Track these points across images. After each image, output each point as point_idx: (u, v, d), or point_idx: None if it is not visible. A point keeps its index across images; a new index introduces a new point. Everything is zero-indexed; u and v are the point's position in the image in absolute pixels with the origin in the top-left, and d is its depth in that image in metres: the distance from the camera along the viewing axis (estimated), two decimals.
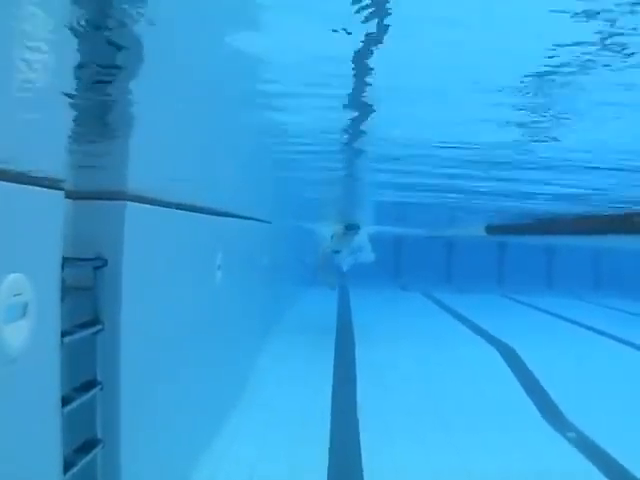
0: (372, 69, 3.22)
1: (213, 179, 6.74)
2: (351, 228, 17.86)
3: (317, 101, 4.00)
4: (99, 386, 4.48)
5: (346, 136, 5.04)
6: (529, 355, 13.36)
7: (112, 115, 4.11)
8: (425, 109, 4.15)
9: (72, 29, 2.66)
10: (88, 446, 4.41)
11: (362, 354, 13.27)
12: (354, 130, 4.87)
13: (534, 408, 10.16)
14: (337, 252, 18.13)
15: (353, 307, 20.62)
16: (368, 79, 3.39)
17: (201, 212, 6.56)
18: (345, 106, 4.11)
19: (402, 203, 13.09)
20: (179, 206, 5.69)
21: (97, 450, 4.46)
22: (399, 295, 25.48)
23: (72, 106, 3.67)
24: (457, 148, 5.50)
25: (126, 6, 2.60)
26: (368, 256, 19.47)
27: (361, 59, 3.08)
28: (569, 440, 8.68)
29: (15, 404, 3.09)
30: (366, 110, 4.22)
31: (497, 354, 13.98)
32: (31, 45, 2.71)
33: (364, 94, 3.72)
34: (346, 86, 3.62)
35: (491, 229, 16.62)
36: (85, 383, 4.40)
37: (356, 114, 4.39)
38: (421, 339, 15.57)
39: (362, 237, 19.04)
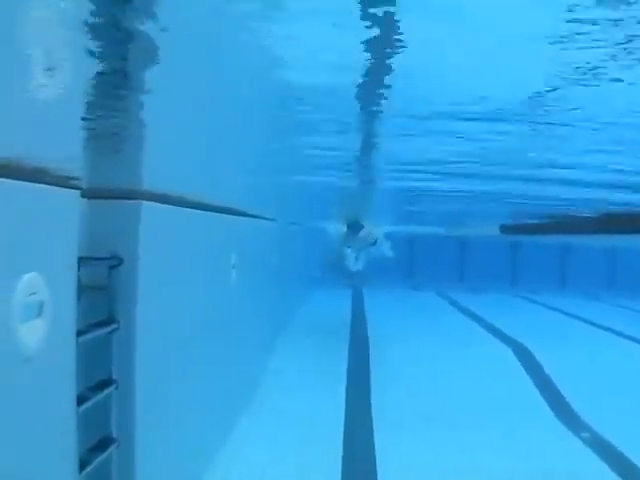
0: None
1: (225, 177, 6.74)
2: (357, 226, 17.78)
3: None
4: (114, 385, 4.49)
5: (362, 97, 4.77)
6: (543, 354, 13.34)
7: (127, 114, 4.11)
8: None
9: (87, 25, 2.66)
10: (103, 445, 4.42)
11: (376, 353, 13.26)
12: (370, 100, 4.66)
13: (547, 407, 10.14)
14: (349, 247, 18.02)
15: (367, 306, 20.59)
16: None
17: (215, 211, 6.56)
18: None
19: (416, 197, 12.92)
20: (194, 205, 5.70)
21: (112, 449, 4.47)
22: (412, 295, 25.44)
23: (88, 105, 3.68)
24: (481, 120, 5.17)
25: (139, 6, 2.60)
26: (386, 252, 19.42)
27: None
28: (582, 440, 8.66)
29: (31, 403, 3.09)
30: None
31: (511, 353, 13.96)
32: (46, 40, 2.71)
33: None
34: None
35: (505, 228, 16.58)
36: (100, 382, 4.41)
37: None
38: (435, 338, 15.53)
39: (378, 235, 18.98)
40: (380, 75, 3.66)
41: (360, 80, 3.77)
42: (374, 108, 4.72)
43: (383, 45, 3.04)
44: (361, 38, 2.88)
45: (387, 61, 3.30)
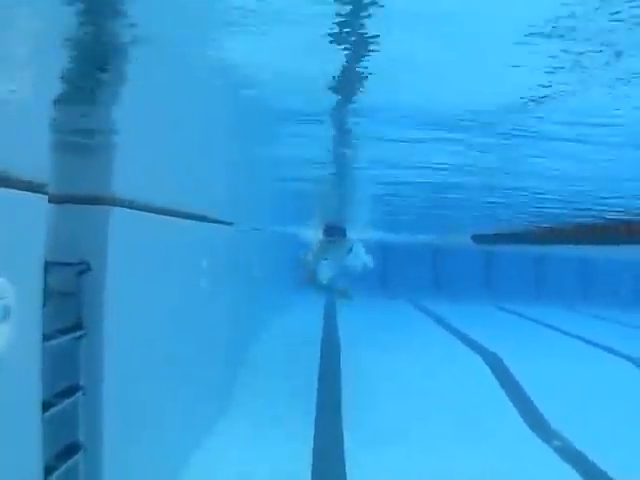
0: None
1: (195, 184, 6.72)
2: (337, 233, 17.01)
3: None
4: (81, 391, 4.47)
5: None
6: (515, 364, 13.37)
7: (97, 120, 4.11)
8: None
9: (58, 33, 2.66)
10: (70, 451, 4.40)
11: (348, 362, 13.21)
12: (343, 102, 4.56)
13: (519, 417, 10.17)
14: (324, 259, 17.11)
15: (339, 314, 20.54)
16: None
17: (185, 217, 6.55)
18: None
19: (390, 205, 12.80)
20: (163, 211, 5.68)
21: (79, 455, 4.45)
22: (386, 303, 25.34)
23: (56, 111, 3.68)
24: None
25: (112, 18, 2.61)
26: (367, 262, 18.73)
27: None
28: (554, 449, 8.70)
29: None
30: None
31: (483, 363, 13.97)
32: (15, 48, 2.72)
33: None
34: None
35: (477, 238, 16.60)
36: (68, 388, 4.40)
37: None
38: (408, 348, 15.49)
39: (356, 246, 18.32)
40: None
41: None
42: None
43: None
44: None
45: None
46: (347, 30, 2.74)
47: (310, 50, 3.04)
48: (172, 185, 5.75)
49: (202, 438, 7.88)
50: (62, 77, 3.27)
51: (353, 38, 2.85)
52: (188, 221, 6.75)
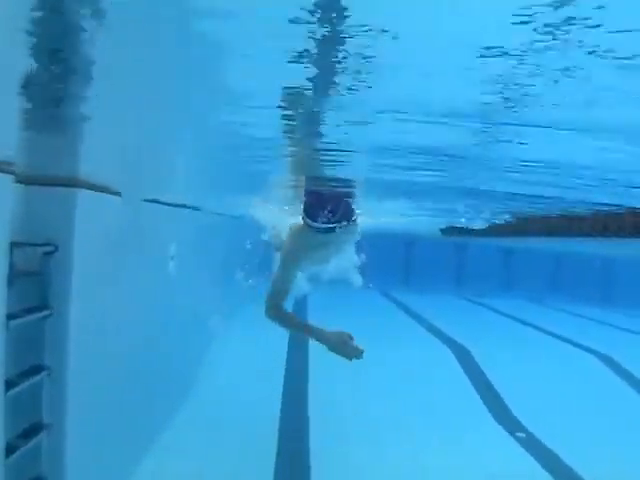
0: None
1: (164, 168, 6.70)
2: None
3: None
4: (46, 371, 4.49)
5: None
6: (483, 357, 13.47)
7: (65, 102, 4.10)
8: None
9: (25, 14, 2.66)
10: (33, 431, 4.42)
11: (316, 351, 13.18)
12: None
13: (485, 410, 10.26)
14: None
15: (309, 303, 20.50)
16: None
17: (152, 201, 6.55)
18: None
19: None
20: (132, 195, 5.69)
21: (42, 435, 4.47)
22: (356, 293, 25.22)
23: (25, 91, 3.67)
24: None
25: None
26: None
27: None
28: (519, 441, 8.79)
29: None
30: None
31: (452, 355, 14.05)
32: None
33: None
34: None
35: (446, 231, 16.56)
36: (32, 367, 4.41)
37: None
38: (376, 339, 15.45)
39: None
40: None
41: None
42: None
43: None
44: None
45: None
46: None
47: None
48: (141, 168, 5.74)
49: (165, 421, 7.92)
50: (30, 50, 3.25)
51: None
52: (157, 205, 6.75)
